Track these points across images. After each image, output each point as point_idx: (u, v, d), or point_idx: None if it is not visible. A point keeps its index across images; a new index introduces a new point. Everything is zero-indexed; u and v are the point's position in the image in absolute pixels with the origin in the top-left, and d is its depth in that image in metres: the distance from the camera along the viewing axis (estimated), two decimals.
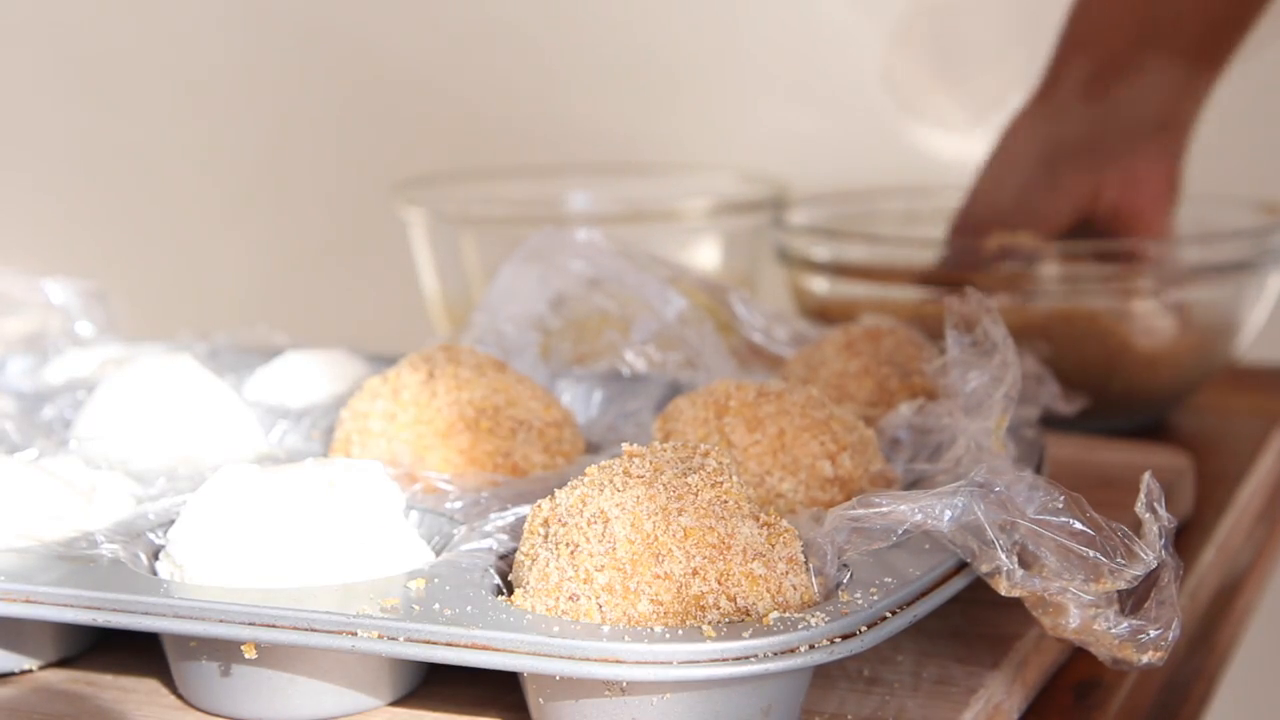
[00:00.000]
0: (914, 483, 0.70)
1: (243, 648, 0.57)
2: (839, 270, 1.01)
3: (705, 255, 1.18)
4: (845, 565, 0.59)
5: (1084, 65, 0.92)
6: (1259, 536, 0.94)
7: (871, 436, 0.70)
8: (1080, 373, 0.92)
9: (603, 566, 0.55)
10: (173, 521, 0.64)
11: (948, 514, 0.58)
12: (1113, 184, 0.92)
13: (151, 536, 0.65)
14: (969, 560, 0.59)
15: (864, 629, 0.55)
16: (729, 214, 1.16)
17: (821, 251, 1.03)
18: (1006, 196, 0.95)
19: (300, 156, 1.67)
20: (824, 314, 1.02)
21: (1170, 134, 0.92)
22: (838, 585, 0.58)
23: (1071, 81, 0.92)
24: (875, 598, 0.57)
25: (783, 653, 0.53)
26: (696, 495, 0.56)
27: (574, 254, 0.85)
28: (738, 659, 0.53)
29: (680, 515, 0.56)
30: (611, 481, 0.57)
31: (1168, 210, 0.93)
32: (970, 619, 0.66)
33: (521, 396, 0.74)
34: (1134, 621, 0.57)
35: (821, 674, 0.61)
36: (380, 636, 0.55)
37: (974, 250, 0.94)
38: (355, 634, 0.55)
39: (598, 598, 0.55)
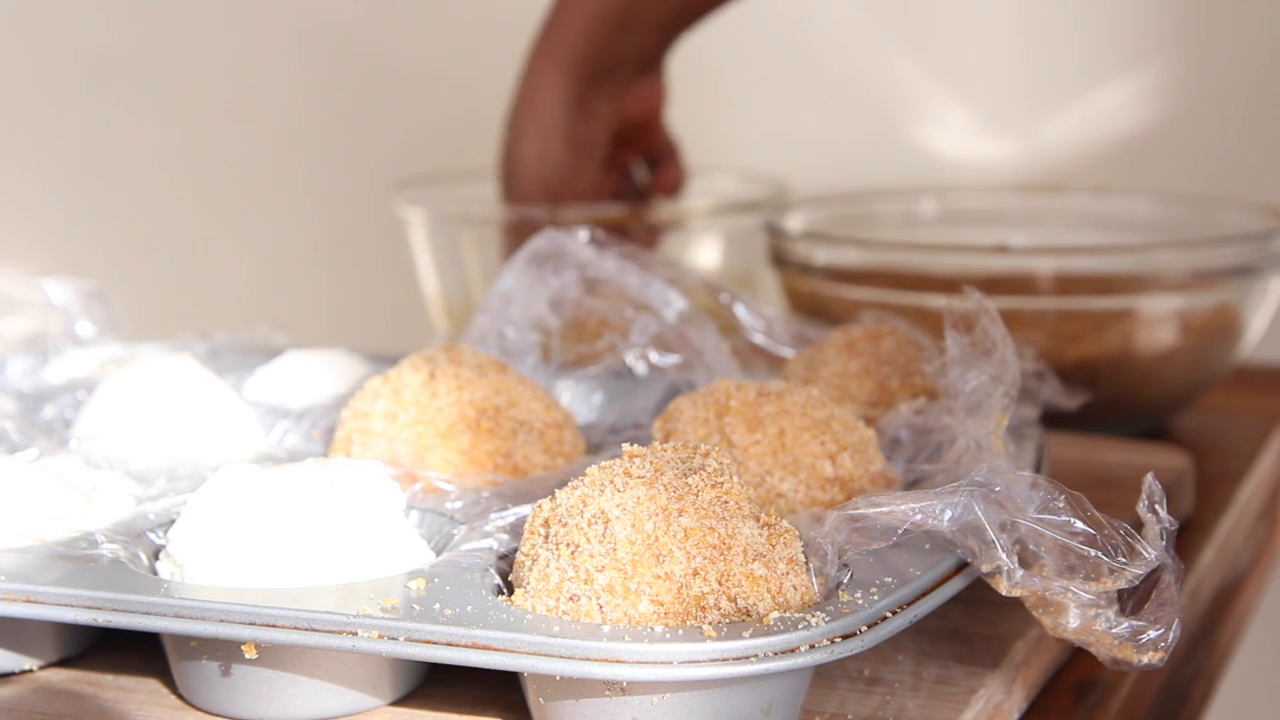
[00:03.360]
0: (914, 483, 0.70)
1: (243, 648, 0.57)
2: (830, 274, 1.01)
3: (705, 255, 1.18)
4: (845, 565, 0.59)
5: (579, 16, 1.11)
6: (1259, 536, 0.94)
7: (872, 436, 0.70)
8: (1081, 379, 0.92)
9: (603, 567, 0.55)
10: (173, 521, 0.64)
11: (948, 514, 0.58)
12: (631, 101, 1.14)
13: (151, 536, 0.65)
14: (969, 560, 0.59)
15: (864, 629, 0.55)
16: (729, 214, 1.16)
17: (813, 255, 1.03)
18: (558, 150, 1.12)
19: (300, 156, 1.67)
20: (815, 315, 1.02)
21: (658, 61, 1.15)
22: (838, 585, 0.58)
23: (576, 37, 1.11)
24: (875, 598, 0.57)
25: (783, 652, 0.53)
26: (697, 496, 0.56)
27: (575, 255, 0.85)
28: (738, 659, 0.53)
29: (681, 516, 0.56)
30: (612, 482, 0.57)
31: (664, 109, 1.18)
32: (970, 619, 0.66)
33: (522, 397, 0.74)
34: (1134, 622, 0.57)
35: (822, 674, 0.61)
36: (380, 636, 0.55)
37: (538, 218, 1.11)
38: (355, 634, 0.55)
39: (598, 598, 0.55)
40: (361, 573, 0.60)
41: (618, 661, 0.53)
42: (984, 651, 0.63)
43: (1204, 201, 1.10)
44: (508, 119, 1.14)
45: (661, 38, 1.13)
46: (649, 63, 1.14)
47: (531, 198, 1.12)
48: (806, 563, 0.58)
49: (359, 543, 0.61)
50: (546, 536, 0.58)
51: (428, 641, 0.55)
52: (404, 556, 0.61)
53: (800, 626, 0.54)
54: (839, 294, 1.01)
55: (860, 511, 0.59)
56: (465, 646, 0.55)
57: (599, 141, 1.14)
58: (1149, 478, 0.59)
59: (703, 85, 1.45)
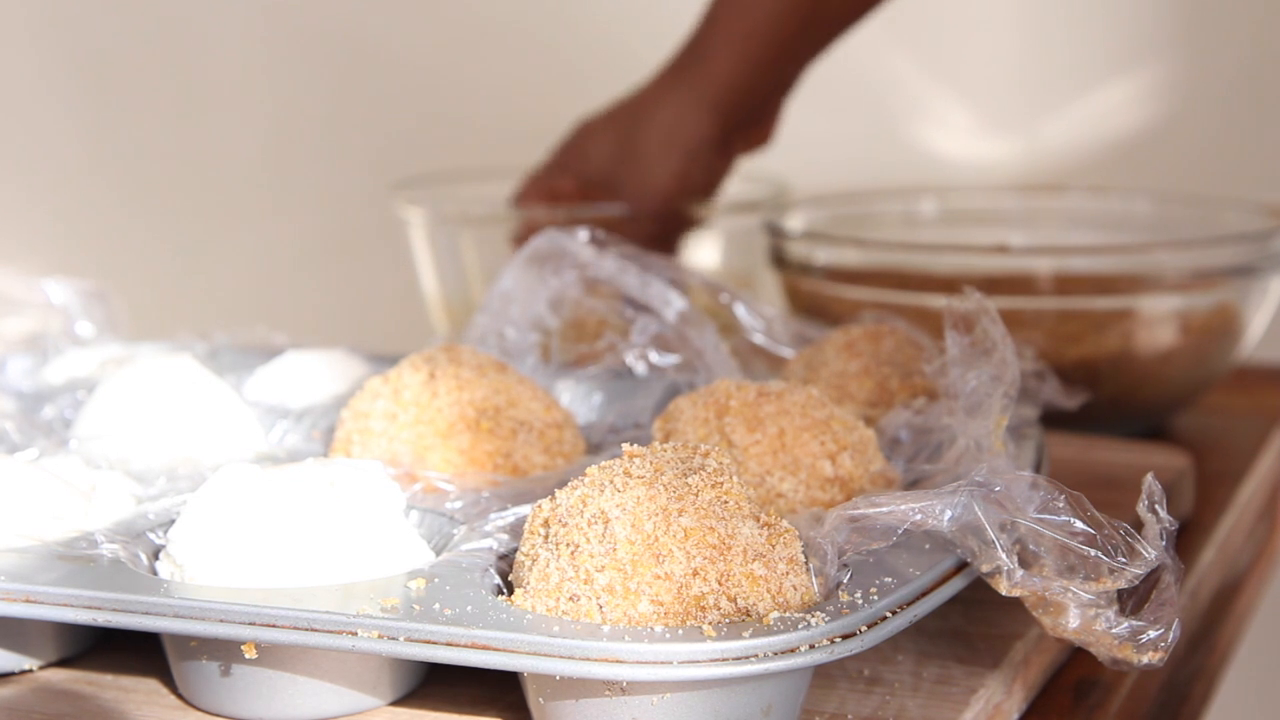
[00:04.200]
0: (914, 483, 0.70)
1: (243, 648, 0.57)
2: (829, 274, 1.01)
3: (705, 255, 1.18)
4: (845, 565, 0.59)
5: (737, 57, 1.08)
6: (1259, 536, 0.94)
7: (871, 436, 0.70)
8: (1081, 379, 0.92)
9: (603, 567, 0.55)
10: (173, 521, 0.64)
11: (948, 514, 0.58)
12: (756, 136, 1.13)
13: (151, 536, 0.65)
14: (969, 560, 0.59)
15: (864, 629, 0.55)
16: (729, 214, 1.16)
17: (813, 255, 1.03)
18: (696, 184, 1.10)
19: (300, 156, 1.67)
20: (816, 315, 1.02)
21: (786, 94, 1.14)
22: (838, 585, 0.58)
23: (731, 79, 1.09)
24: (875, 598, 0.57)
25: (783, 652, 0.53)
26: (697, 496, 0.56)
27: (575, 255, 0.85)
28: (738, 659, 0.53)
29: (680, 516, 0.56)
30: (612, 482, 0.57)
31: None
32: (970, 619, 0.66)
33: (522, 397, 0.74)
34: (1134, 622, 0.57)
35: (822, 674, 0.61)
36: (380, 636, 0.55)
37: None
38: (355, 634, 0.55)
39: (598, 598, 0.55)
40: (361, 573, 0.60)
41: (618, 661, 0.53)
42: (984, 651, 0.63)
43: (1204, 201, 1.10)
44: (633, 135, 1.11)
45: (799, 71, 1.11)
46: (781, 97, 1.13)
47: (656, 216, 1.10)
48: (806, 563, 0.58)
49: (359, 543, 0.61)
50: (546, 536, 0.58)
51: (428, 641, 0.55)
52: (404, 556, 0.61)
53: (800, 626, 0.54)
54: (839, 294, 1.01)
55: (860, 511, 0.59)
56: (465, 646, 0.55)
57: (724, 175, 1.13)
58: (1149, 478, 0.59)
59: None
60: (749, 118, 1.11)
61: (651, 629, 0.54)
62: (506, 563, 0.62)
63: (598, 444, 0.78)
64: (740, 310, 0.88)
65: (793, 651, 0.53)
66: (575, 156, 1.13)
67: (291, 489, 0.61)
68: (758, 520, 0.57)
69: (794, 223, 1.10)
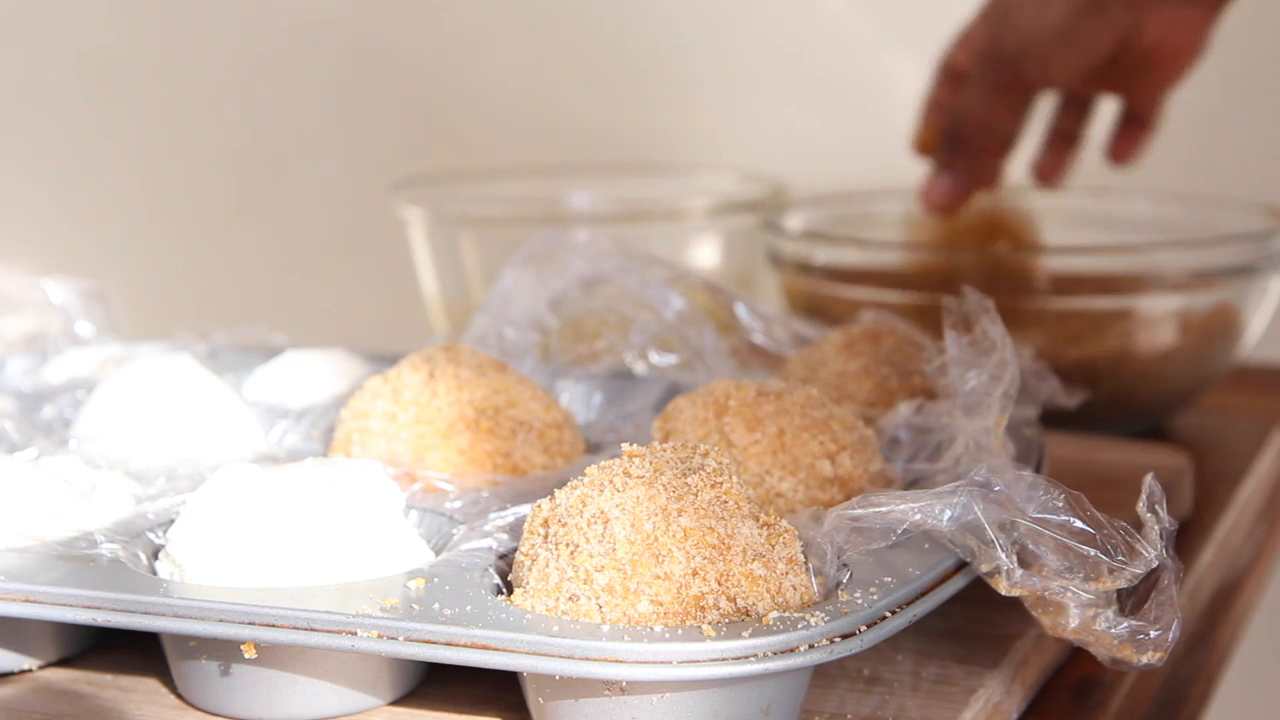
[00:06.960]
0: (914, 482, 0.70)
1: (242, 647, 0.57)
2: (828, 274, 1.01)
3: (705, 255, 1.18)
4: (845, 565, 0.59)
5: None
6: (1259, 536, 0.94)
7: (871, 436, 0.70)
8: (1081, 379, 0.92)
9: (603, 567, 0.55)
10: (172, 521, 0.64)
11: (948, 513, 0.58)
12: (1156, 23, 0.93)
13: (151, 536, 0.65)
14: (969, 560, 0.59)
15: (864, 628, 0.55)
16: (729, 214, 1.16)
17: (812, 255, 1.03)
18: (1052, 18, 0.94)
19: (300, 156, 1.67)
20: (815, 315, 1.02)
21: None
22: (837, 585, 0.58)
23: None
24: (875, 597, 0.57)
25: (782, 652, 0.53)
26: (696, 495, 0.56)
27: (574, 255, 0.85)
28: (737, 659, 0.53)
29: (680, 516, 0.56)
30: (611, 482, 0.57)
31: (1193, 63, 0.96)
32: (970, 619, 0.66)
33: (522, 397, 0.74)
34: (1134, 622, 0.57)
35: (821, 674, 0.61)
36: (380, 636, 0.55)
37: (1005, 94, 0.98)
38: (355, 634, 0.55)
39: (598, 598, 0.55)
40: (361, 573, 0.60)
41: (617, 661, 0.53)
42: (984, 651, 0.63)
43: (1204, 201, 1.10)
44: None
45: None
46: None
47: (1014, 43, 0.97)
48: (806, 562, 0.58)
49: (359, 543, 0.61)
50: (546, 536, 0.58)
51: (427, 641, 0.55)
52: (404, 556, 0.61)
53: (799, 626, 0.54)
54: (838, 294, 1.01)
55: (859, 511, 0.59)
56: (465, 646, 0.55)
57: (1098, 42, 0.96)
58: (1149, 478, 0.59)
59: (702, 84, 1.45)
60: None
61: (651, 629, 0.54)
62: (506, 562, 0.62)
63: (597, 444, 0.78)
64: (740, 310, 0.88)
65: (792, 651, 0.54)
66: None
67: (291, 489, 0.61)
68: (757, 520, 0.57)
69: (793, 222, 1.09)
